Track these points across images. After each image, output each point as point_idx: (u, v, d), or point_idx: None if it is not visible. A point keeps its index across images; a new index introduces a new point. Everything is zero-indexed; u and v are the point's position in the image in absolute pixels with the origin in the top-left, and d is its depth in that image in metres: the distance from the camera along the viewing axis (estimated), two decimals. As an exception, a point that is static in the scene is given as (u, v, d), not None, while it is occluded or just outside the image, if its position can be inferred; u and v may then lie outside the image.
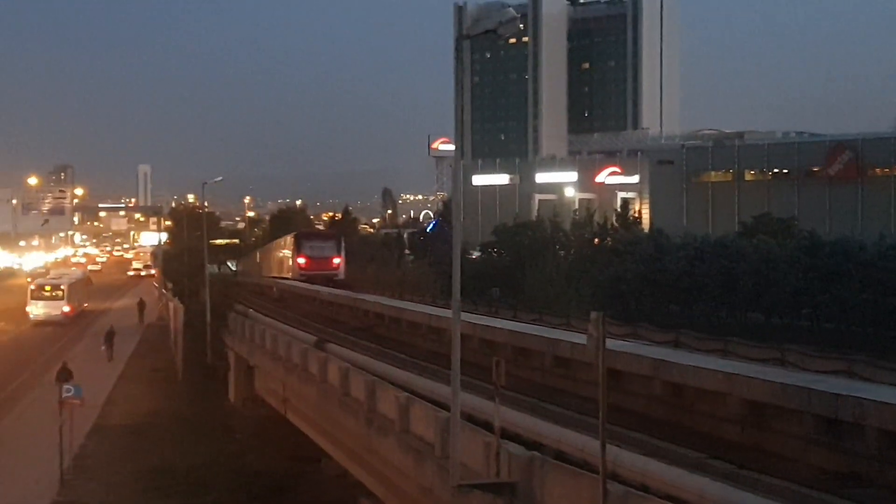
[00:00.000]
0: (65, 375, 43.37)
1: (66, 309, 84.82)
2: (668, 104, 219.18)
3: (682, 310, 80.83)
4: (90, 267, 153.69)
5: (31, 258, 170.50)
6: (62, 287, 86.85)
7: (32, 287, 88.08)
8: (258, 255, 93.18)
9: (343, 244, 70.80)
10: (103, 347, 63.35)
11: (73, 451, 36.56)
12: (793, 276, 73.99)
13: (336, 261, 68.52)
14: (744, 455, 19.88)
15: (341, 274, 68.09)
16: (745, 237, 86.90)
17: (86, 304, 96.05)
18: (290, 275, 69.78)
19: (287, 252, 73.01)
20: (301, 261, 68.93)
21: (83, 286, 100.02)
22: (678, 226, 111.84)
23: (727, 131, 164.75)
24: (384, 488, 27.50)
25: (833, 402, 18.76)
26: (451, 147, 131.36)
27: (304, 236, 72.43)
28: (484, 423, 22.12)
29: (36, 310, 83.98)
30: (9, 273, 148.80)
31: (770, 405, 20.52)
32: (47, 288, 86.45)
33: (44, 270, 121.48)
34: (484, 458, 19.72)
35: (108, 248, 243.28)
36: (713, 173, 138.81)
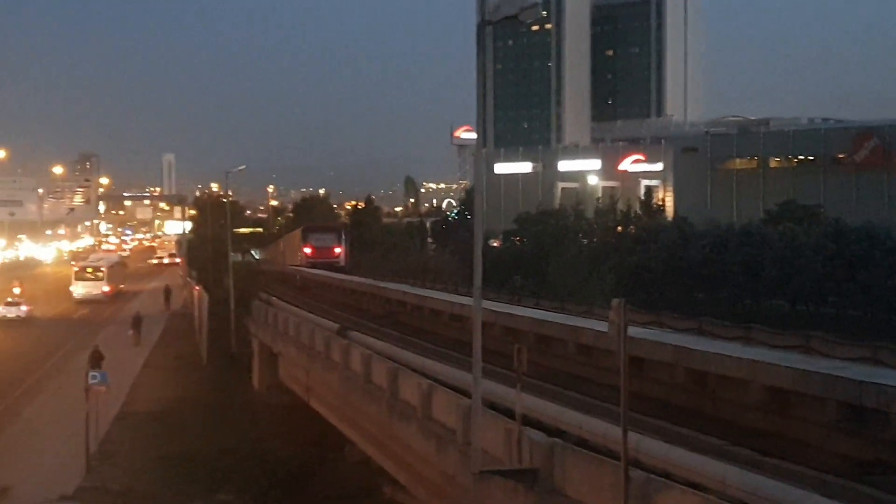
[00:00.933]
0: (96, 359, 44.95)
1: (106, 289, 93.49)
2: (692, 91, 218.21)
3: (706, 298, 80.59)
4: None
5: (49, 249, 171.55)
6: (102, 269, 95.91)
7: (76, 269, 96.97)
8: (280, 245, 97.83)
9: (344, 236, 78.03)
10: (130, 332, 64.78)
11: (99, 436, 36.83)
12: (818, 264, 73.64)
13: (337, 250, 75.52)
14: (766, 442, 19.82)
15: (342, 261, 74.45)
16: (770, 224, 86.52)
17: (122, 286, 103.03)
18: (299, 263, 75.72)
19: (297, 242, 79.39)
20: (307, 250, 75.87)
21: (120, 269, 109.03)
22: (702, 213, 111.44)
23: (752, 118, 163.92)
24: (406, 475, 27.59)
25: (857, 389, 18.66)
26: (474, 135, 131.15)
27: (310, 229, 79.68)
28: (506, 410, 22.14)
29: (79, 289, 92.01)
30: (35, 263, 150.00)
31: (793, 392, 20.44)
32: (89, 270, 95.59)
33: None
34: (506, 445, 19.75)
35: (128, 237, 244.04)
36: (738, 160, 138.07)
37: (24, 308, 78.24)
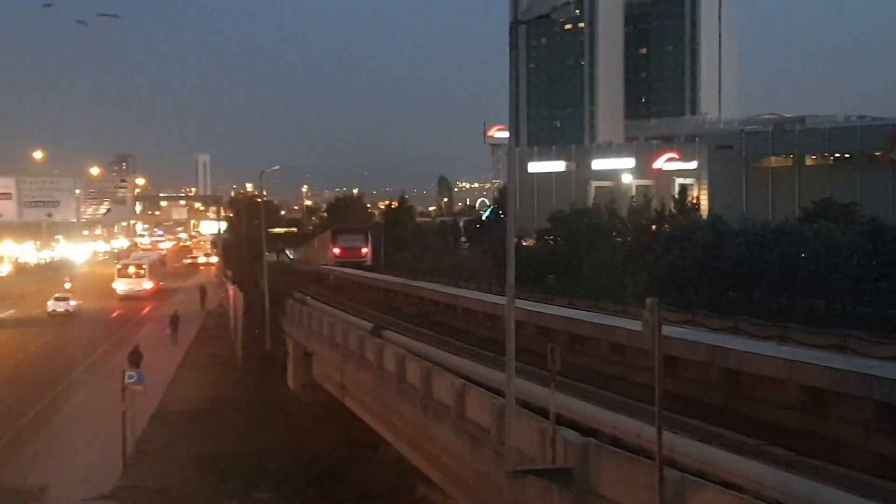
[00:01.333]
0: (136, 358, 47.72)
1: (149, 286, 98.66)
2: (726, 88, 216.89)
3: (742, 297, 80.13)
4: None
5: (84, 249, 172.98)
6: (144, 267, 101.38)
7: (119, 267, 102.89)
8: (314, 244, 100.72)
9: (370, 237, 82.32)
10: (168, 331, 66.55)
11: (136, 435, 37.10)
12: (855, 262, 73.04)
13: (364, 250, 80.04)
14: (803, 442, 19.68)
15: (368, 260, 78.96)
16: (806, 223, 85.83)
17: (161, 283, 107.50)
18: (329, 262, 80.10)
19: (327, 243, 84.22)
20: (336, 250, 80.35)
21: (160, 267, 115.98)
22: (737, 212, 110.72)
23: (787, 115, 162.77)
24: (440, 474, 27.61)
25: (894, 389, 18.50)
26: (507, 134, 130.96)
27: (339, 231, 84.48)
28: (539, 409, 22.12)
29: (121, 286, 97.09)
30: (68, 263, 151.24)
31: (830, 391, 20.29)
32: (132, 268, 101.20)
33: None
34: (539, 444, 19.73)
35: (160, 237, 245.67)
36: (773, 158, 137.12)
37: (72, 303, 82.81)
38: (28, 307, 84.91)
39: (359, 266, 73.98)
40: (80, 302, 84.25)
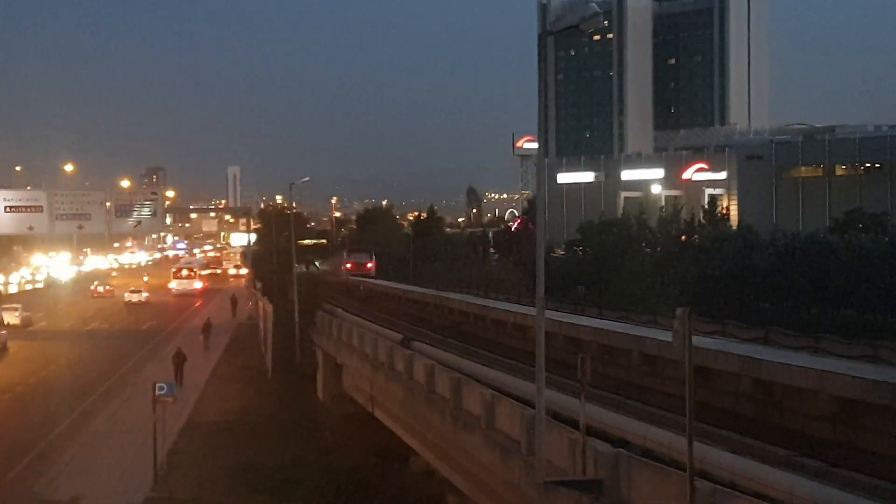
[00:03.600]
0: (179, 361, 53.12)
1: (199, 285, 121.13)
2: (756, 98, 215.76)
3: (772, 307, 79.61)
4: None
5: (93, 260, 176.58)
6: (195, 270, 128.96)
7: (174, 270, 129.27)
8: (336, 260, 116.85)
9: (373, 255, 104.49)
10: (201, 337, 68.67)
11: (167, 447, 37.27)
12: (886, 272, 72.46)
13: (369, 265, 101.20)
14: (835, 453, 19.60)
15: (373, 272, 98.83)
16: (837, 233, 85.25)
17: (208, 284, 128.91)
18: (344, 273, 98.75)
19: (343, 259, 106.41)
20: (349, 265, 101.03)
21: (208, 267, 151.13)
22: (767, 222, 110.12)
23: (817, 125, 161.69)
24: (471, 485, 27.60)
25: (927, 399, 18.39)
26: (536, 145, 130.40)
27: (350, 251, 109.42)
28: (570, 420, 22.10)
29: (177, 286, 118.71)
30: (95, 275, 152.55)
31: (862, 402, 20.19)
32: (185, 271, 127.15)
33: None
34: (570, 455, 19.71)
35: (181, 250, 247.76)
36: (803, 168, 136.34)
37: (144, 294, 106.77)
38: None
39: (366, 276, 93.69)
40: (150, 295, 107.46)
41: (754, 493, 16.81)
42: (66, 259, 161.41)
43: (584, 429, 19.40)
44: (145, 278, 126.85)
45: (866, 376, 20.49)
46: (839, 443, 20.61)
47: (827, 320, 73.92)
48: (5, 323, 77.96)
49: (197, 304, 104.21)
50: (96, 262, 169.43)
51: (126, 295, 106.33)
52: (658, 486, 16.85)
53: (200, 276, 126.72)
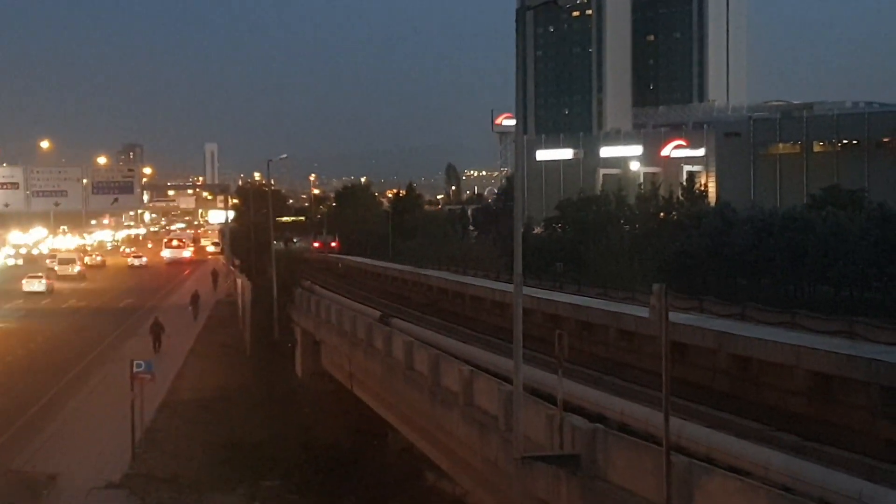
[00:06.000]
0: (157, 331, 55.96)
1: (188, 253, 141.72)
2: (734, 75, 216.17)
3: (750, 284, 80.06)
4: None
5: (64, 240, 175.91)
6: (184, 240, 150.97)
7: (165, 240, 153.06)
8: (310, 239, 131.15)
9: (336, 236, 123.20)
10: (190, 308, 72.30)
11: (145, 424, 37.19)
12: (862, 249, 72.90)
13: (333, 244, 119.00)
14: (810, 427, 19.75)
15: (337, 249, 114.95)
16: (814, 210, 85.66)
17: (196, 254, 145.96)
18: (314, 250, 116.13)
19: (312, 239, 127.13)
20: (315, 245, 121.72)
21: (194, 241, 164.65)
22: (745, 199, 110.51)
23: (795, 102, 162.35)
24: (449, 461, 27.69)
25: (901, 374, 18.54)
26: (515, 122, 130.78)
27: (317, 234, 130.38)
28: (547, 396, 22.18)
29: (169, 254, 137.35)
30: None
31: (837, 377, 20.34)
32: (175, 241, 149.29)
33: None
34: (547, 431, 19.78)
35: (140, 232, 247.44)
36: (781, 145, 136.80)
37: (144, 259, 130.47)
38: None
39: (331, 251, 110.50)
40: (148, 259, 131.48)
41: (730, 467, 16.92)
42: (42, 235, 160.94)
43: (562, 404, 19.46)
44: (150, 245, 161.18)
45: (841, 351, 20.63)
46: (814, 417, 20.76)
47: (804, 296, 74.45)
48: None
49: (186, 273, 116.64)
50: (66, 241, 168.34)
51: (129, 259, 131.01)
52: (634, 460, 16.94)
53: (189, 247, 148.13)
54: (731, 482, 14.72)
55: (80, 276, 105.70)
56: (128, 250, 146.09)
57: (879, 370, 19.04)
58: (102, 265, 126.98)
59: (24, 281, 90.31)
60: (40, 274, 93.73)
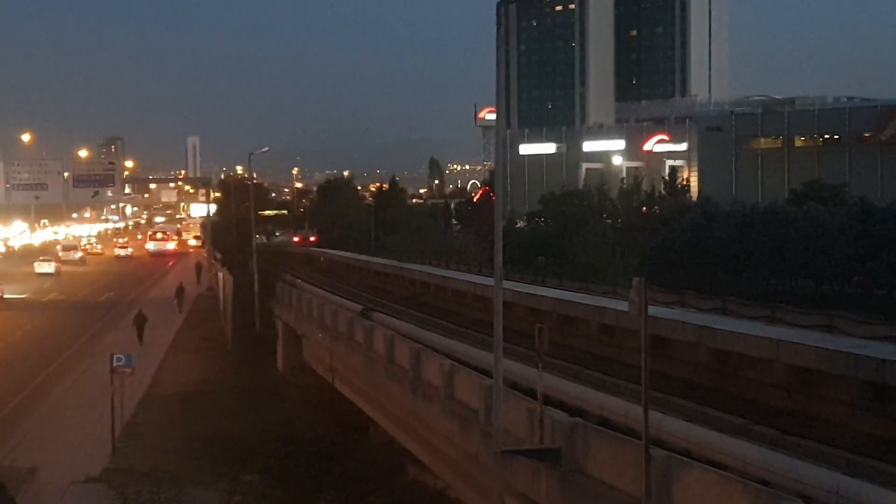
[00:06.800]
0: (141, 322, 56.99)
1: (172, 246, 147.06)
2: (716, 70, 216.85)
3: (731, 278, 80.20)
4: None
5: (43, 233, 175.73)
6: (168, 233, 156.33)
7: (150, 233, 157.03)
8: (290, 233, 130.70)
9: (315, 230, 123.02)
10: (175, 301, 73.20)
11: (125, 418, 37.09)
12: (843, 244, 73.12)
13: (312, 238, 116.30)
14: (789, 421, 19.82)
15: (315, 242, 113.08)
16: (795, 204, 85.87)
17: (179, 247, 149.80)
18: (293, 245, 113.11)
19: (292, 234, 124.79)
20: (295, 239, 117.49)
21: (177, 234, 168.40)
22: (727, 193, 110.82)
23: (777, 97, 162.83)
24: (430, 455, 27.70)
25: (880, 368, 18.61)
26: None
27: (297, 228, 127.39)
28: (528, 390, 22.20)
29: (153, 247, 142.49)
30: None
31: (817, 371, 20.41)
32: (159, 234, 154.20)
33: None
34: (528, 425, 19.81)
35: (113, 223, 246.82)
36: (762, 140, 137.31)
37: (129, 250, 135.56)
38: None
39: (309, 245, 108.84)
40: (134, 250, 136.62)
41: (708, 460, 16.98)
42: (22, 229, 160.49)
43: (542, 398, 19.48)
44: (139, 236, 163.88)
45: (821, 345, 20.69)
46: (794, 411, 20.83)
47: (785, 290, 74.58)
48: None
49: (170, 264, 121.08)
50: (44, 234, 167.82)
51: (116, 250, 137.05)
52: (614, 454, 16.98)
53: (172, 240, 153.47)
54: (709, 476, 14.77)
55: (81, 261, 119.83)
56: (120, 241, 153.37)
57: (858, 364, 19.12)
58: (102, 253, 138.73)
59: (35, 264, 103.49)
60: (50, 258, 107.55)
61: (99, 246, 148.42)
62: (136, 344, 53.55)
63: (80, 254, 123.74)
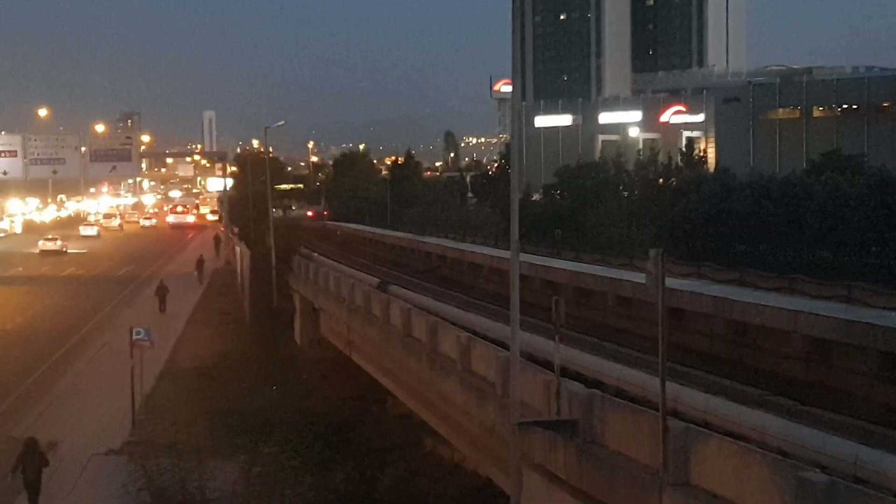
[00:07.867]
0: (162, 293, 58.93)
1: (191, 219, 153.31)
2: (734, 40, 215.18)
3: (749, 249, 79.93)
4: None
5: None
6: (187, 206, 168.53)
7: (169, 207, 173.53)
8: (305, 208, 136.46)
9: (328, 205, 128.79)
10: (195, 273, 74.06)
11: (145, 392, 37.26)
12: (861, 214, 72.76)
13: (326, 213, 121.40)
14: (807, 392, 19.81)
15: (328, 217, 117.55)
16: (813, 175, 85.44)
17: (198, 220, 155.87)
18: (307, 220, 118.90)
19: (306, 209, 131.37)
20: (309, 213, 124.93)
21: (196, 208, 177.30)
22: (744, 164, 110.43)
23: (795, 67, 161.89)
24: (447, 427, 27.78)
25: (898, 338, 18.56)
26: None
27: (311, 203, 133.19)
28: (544, 362, 22.22)
29: (174, 220, 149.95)
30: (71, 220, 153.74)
31: (834, 342, 20.36)
32: (180, 207, 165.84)
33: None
34: (544, 397, 19.82)
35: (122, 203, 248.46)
36: (780, 110, 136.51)
37: (154, 220, 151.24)
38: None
39: (322, 219, 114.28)
40: (159, 220, 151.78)
41: (726, 431, 16.97)
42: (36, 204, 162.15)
43: (559, 370, 19.49)
44: (165, 208, 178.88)
45: (839, 316, 20.64)
46: (811, 382, 20.81)
47: (803, 262, 74.33)
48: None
49: (189, 236, 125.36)
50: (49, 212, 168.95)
51: (141, 221, 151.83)
52: (631, 425, 16.98)
53: (192, 213, 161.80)
54: (727, 446, 14.76)
55: (120, 228, 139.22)
56: (150, 211, 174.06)
57: (876, 335, 19.06)
58: (137, 222, 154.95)
59: (80, 227, 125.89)
60: (93, 222, 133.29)
61: (136, 215, 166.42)
62: (157, 314, 54.05)
63: (118, 220, 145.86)
